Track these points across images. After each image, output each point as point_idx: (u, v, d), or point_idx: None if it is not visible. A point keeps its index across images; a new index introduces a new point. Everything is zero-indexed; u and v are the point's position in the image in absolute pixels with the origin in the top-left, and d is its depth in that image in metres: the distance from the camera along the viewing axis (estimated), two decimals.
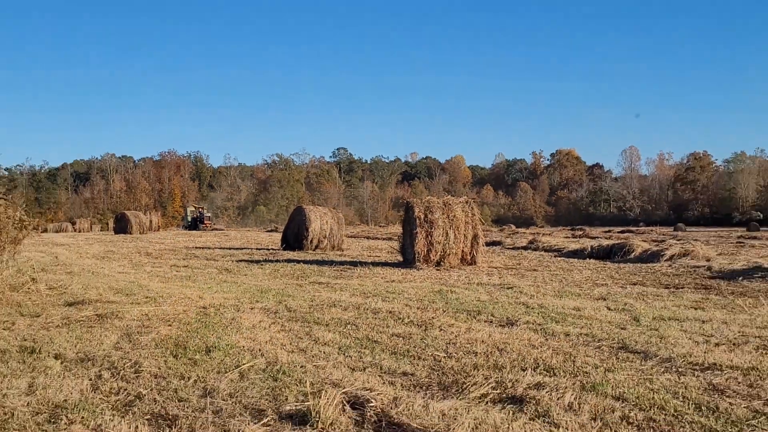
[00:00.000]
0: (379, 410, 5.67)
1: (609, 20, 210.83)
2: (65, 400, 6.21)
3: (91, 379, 7.00)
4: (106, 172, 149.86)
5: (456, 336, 9.20)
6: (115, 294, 13.84)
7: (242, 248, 34.78)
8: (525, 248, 32.55)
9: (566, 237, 45.40)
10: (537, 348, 8.37)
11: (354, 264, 22.94)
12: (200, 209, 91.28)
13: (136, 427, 5.46)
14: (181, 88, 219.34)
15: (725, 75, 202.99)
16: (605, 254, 25.88)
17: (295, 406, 5.94)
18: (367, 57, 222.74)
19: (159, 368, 7.44)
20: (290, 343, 8.83)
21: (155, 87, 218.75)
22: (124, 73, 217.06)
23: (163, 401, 6.21)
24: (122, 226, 65.64)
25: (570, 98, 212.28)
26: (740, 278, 16.77)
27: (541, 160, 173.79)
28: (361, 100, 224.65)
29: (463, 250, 21.30)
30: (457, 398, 6.14)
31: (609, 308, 11.84)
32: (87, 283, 15.94)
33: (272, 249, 33.40)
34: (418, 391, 6.46)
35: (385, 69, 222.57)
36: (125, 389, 6.64)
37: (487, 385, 6.55)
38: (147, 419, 5.70)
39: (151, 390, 6.59)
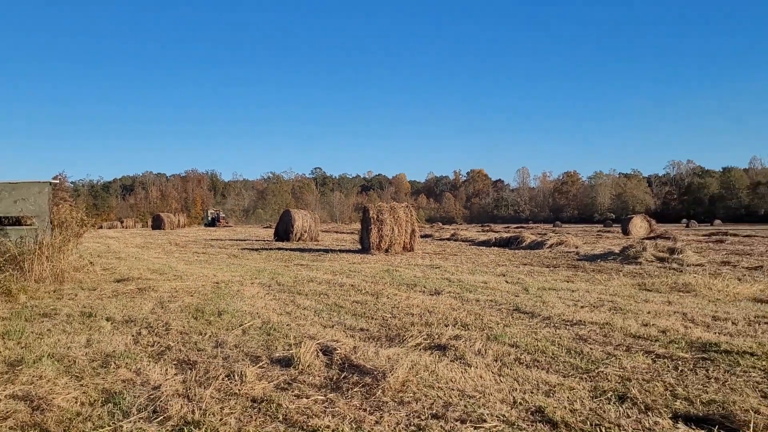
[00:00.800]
0: (343, 356, 5.65)
1: (520, 59, 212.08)
2: (114, 351, 6.09)
3: (133, 336, 6.88)
4: (146, 185, 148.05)
5: (399, 302, 9.20)
6: (151, 273, 13.61)
7: (245, 240, 34.41)
8: (448, 239, 32.66)
9: (478, 231, 45.62)
10: (456, 310, 8.39)
11: (326, 251, 22.84)
12: (217, 211, 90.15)
13: (166, 370, 5.38)
14: (201, 120, 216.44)
15: (587, 111, 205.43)
16: (505, 243, 26.06)
17: (283, 353, 5.89)
18: (334, 96, 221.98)
19: (183, 327, 7.33)
20: (279, 308, 8.75)
21: (180, 117, 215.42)
22: (155, 109, 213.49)
23: (186, 351, 6.12)
24: (157, 224, 64.52)
25: (480, 129, 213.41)
26: (599, 260, 17.00)
27: (460, 176, 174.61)
28: (333, 131, 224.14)
29: (404, 241, 21.32)
30: (399, 346, 6.14)
31: (507, 281, 11.92)
32: (131, 266, 15.65)
33: (267, 240, 33.09)
34: (372, 342, 6.44)
35: (346, 105, 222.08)
36: (158, 342, 6.54)
37: (420, 337, 6.55)
38: (174, 364, 5.62)
39: (177, 343, 6.49)
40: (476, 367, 5.35)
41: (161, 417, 4.22)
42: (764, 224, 74.43)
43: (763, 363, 5.40)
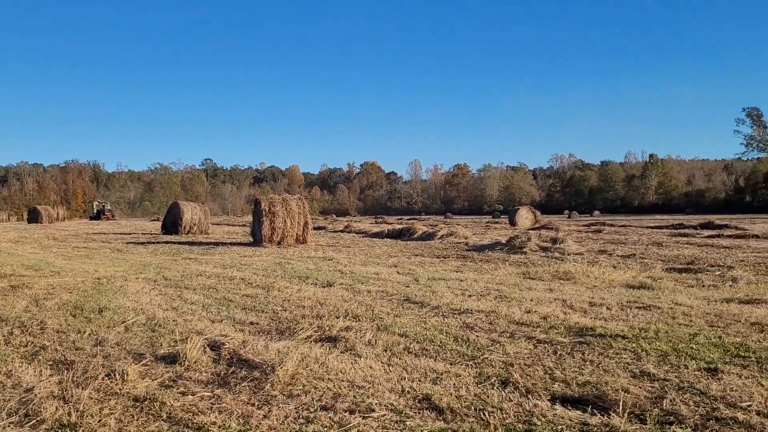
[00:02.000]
0: (231, 350, 5.54)
1: (408, 54, 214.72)
2: None
3: (3, 336, 6.45)
4: (21, 176, 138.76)
5: (290, 295, 9.13)
6: (26, 269, 12.81)
7: (131, 233, 33.06)
8: (342, 231, 32.74)
9: (371, 223, 46.02)
10: (347, 302, 8.43)
11: (217, 244, 22.32)
12: (103, 203, 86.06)
13: (40, 371, 5.09)
14: (80, 107, 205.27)
15: (477, 105, 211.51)
16: (397, 235, 26.40)
17: (168, 350, 5.72)
18: (224, 86, 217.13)
19: (60, 325, 6.95)
20: (165, 304, 8.48)
21: (58, 105, 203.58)
22: (32, 97, 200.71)
23: (63, 350, 5.81)
24: (34, 217, 60.74)
25: (373, 121, 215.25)
26: (487, 250, 17.57)
27: (354, 168, 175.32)
28: (224, 121, 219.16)
29: (297, 233, 21.18)
30: (289, 339, 6.10)
31: (398, 272, 12.10)
32: (2, 262, 14.68)
33: (154, 234, 31.93)
34: (261, 336, 6.36)
35: (237, 96, 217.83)
36: (32, 342, 6.17)
37: (311, 329, 6.53)
38: (50, 364, 5.32)
39: (54, 342, 6.15)
40: (366, 358, 5.40)
41: (34, 420, 3.99)
42: (638, 215, 79.47)
43: (633, 345, 5.76)
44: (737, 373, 4.79)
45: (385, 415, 4.06)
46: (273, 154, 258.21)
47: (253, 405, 4.27)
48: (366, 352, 5.62)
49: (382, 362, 5.31)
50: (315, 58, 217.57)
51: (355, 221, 51.77)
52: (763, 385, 4.48)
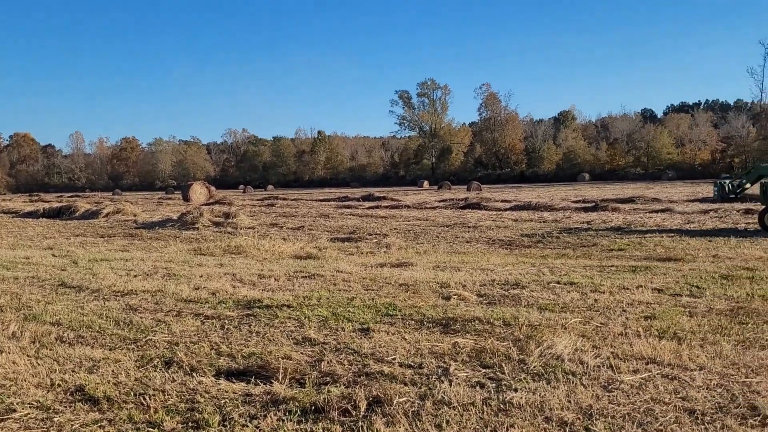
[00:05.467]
0: None
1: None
2: None
3: None
4: None
5: None
6: None
7: None
8: None
9: (24, 202, 41.26)
10: None
11: None
12: None
13: None
14: None
15: (143, 73, 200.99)
16: (56, 214, 24.07)
17: None
18: None
19: None
20: None
21: None
22: None
23: None
24: None
25: (21, 88, 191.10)
26: (157, 227, 16.94)
27: (2, 140, 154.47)
28: None
29: None
30: None
31: (54, 255, 11.01)
32: None
33: None
34: None
35: None
36: None
37: None
38: None
39: None
40: (9, 353, 4.80)
41: None
42: (309, 188, 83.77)
43: (297, 313, 6.04)
44: (386, 331, 5.32)
45: (28, 414, 3.65)
46: None
47: None
48: (9, 346, 5.00)
49: (28, 356, 4.77)
50: None
51: (5, 200, 45.90)
52: (406, 339, 5.05)
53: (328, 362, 4.49)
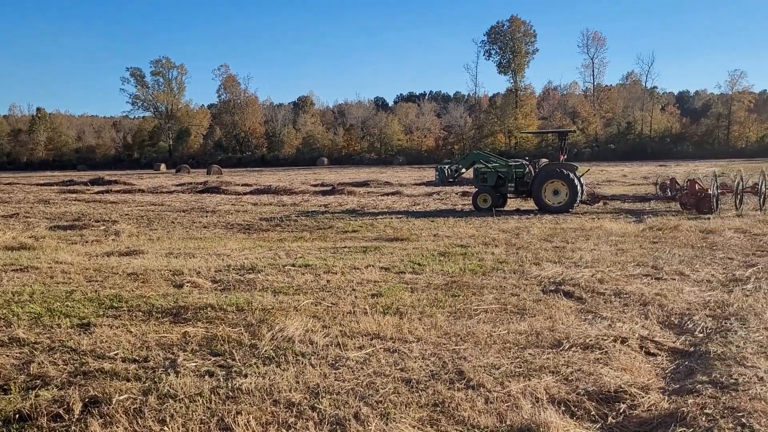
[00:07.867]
0: None
1: None
2: None
3: None
4: None
5: None
6: None
7: None
8: None
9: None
10: None
11: None
12: None
13: None
14: None
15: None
16: None
17: None
18: None
19: None
20: None
21: None
22: None
23: None
24: None
25: None
26: None
27: None
28: None
29: None
30: None
31: None
32: None
33: None
34: None
35: None
36: None
37: None
38: None
39: None
40: None
41: None
42: (27, 172, 75.29)
43: (5, 311, 5.45)
44: (109, 324, 4.99)
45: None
46: None
47: None
48: None
49: None
50: None
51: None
52: (131, 332, 4.77)
53: (39, 364, 4.09)
